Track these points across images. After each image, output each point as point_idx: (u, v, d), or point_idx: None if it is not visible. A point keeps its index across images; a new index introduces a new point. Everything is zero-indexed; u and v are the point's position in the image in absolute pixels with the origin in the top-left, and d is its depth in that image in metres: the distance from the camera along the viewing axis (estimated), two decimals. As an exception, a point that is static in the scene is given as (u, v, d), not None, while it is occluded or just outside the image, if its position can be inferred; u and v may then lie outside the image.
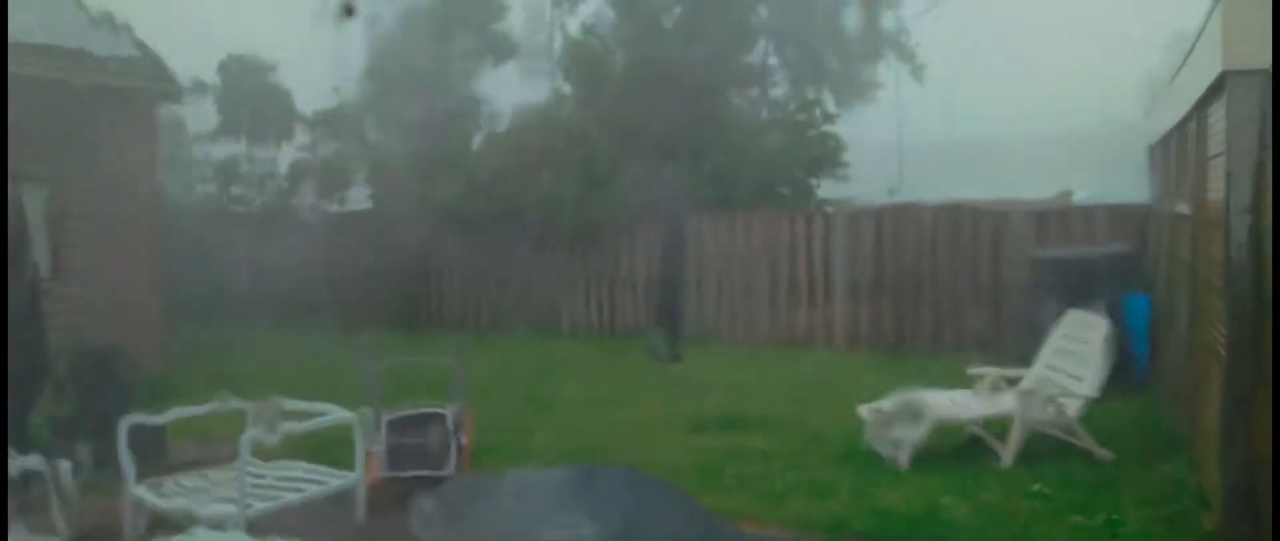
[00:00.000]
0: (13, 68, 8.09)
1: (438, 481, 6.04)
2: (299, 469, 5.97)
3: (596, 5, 16.62)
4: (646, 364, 10.77)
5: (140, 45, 11.30)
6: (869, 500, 6.36)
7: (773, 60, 16.63)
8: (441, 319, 14.27)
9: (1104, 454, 6.97)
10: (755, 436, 7.93)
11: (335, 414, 5.85)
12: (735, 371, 10.80)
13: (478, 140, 15.28)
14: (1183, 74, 7.22)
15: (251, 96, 15.08)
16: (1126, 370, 9.00)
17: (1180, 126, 7.68)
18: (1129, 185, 11.74)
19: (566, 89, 15.00)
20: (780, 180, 14.69)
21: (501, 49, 16.31)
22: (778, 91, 15.65)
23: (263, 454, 5.89)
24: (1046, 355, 7.66)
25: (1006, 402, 7.38)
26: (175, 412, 6.04)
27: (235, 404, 5.94)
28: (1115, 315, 7.99)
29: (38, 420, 6.67)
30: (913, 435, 6.93)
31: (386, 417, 6.49)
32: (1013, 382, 7.67)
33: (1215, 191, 5.39)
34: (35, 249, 9.17)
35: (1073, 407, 7.00)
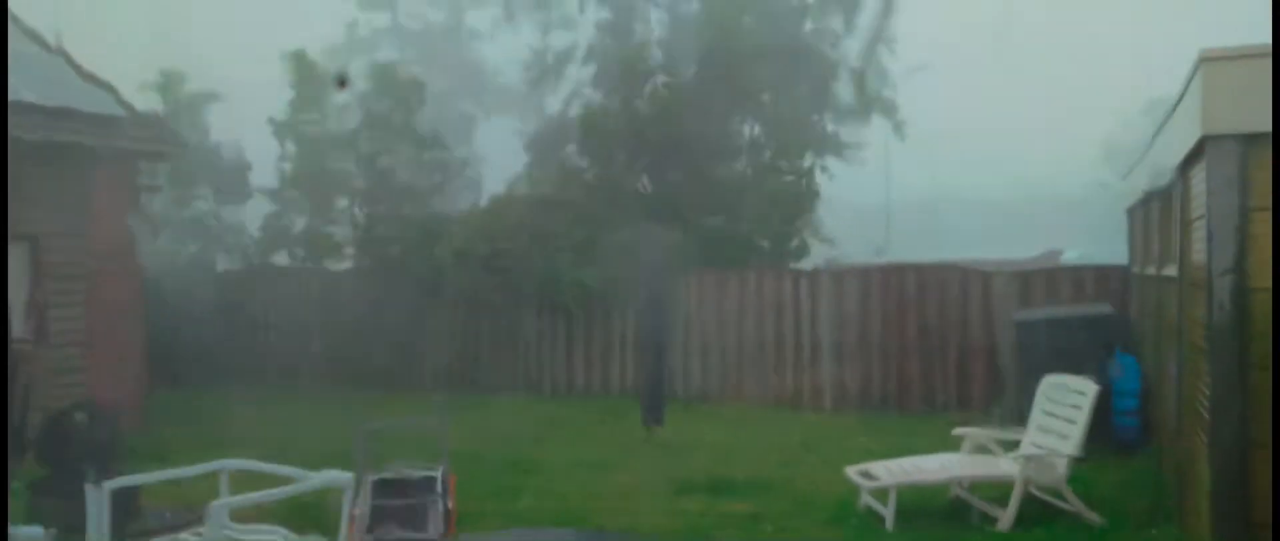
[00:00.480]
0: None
1: (420, 544, 5.91)
2: (279, 534, 5.83)
3: (585, 71, 16.80)
4: (632, 425, 10.66)
5: (126, 104, 11.34)
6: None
7: (759, 124, 16.79)
8: (424, 379, 14.15)
9: (1093, 517, 6.91)
10: (743, 499, 7.84)
11: (318, 477, 5.73)
12: (723, 433, 10.72)
13: (467, 202, 15.33)
14: (1160, 138, 7.32)
15: (237, 153, 15.10)
16: (1116, 432, 8.99)
17: (1157, 190, 7.76)
18: (1118, 246, 11.84)
19: (556, 153, 15.08)
20: (767, 240, 14.75)
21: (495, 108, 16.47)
22: (765, 152, 15.75)
23: (241, 517, 5.76)
24: (1037, 417, 7.62)
25: (996, 465, 7.33)
26: (145, 477, 5.91)
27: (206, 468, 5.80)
28: (1103, 376, 7.98)
29: (15, 484, 6.53)
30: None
31: (370, 479, 6.36)
32: (1003, 444, 7.62)
33: (1198, 253, 5.42)
34: (13, 310, 9.12)
35: (1060, 469, 6.95)
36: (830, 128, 17.15)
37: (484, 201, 15.91)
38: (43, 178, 9.61)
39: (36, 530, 5.00)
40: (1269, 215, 4.72)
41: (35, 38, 11.50)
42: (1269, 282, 4.69)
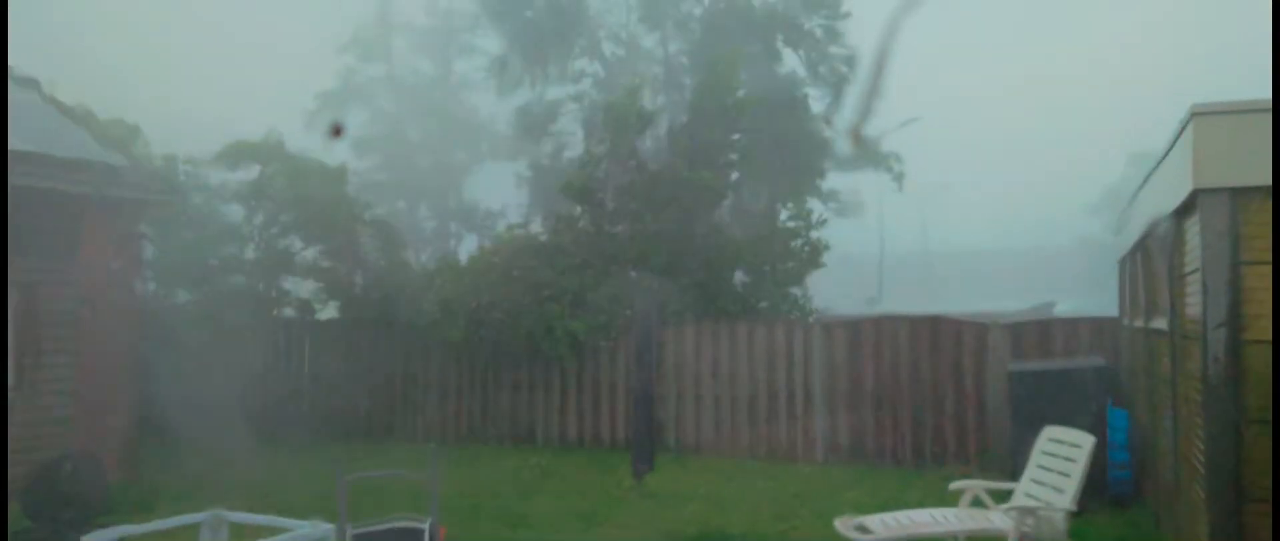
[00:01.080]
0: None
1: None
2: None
3: (573, 122, 16.95)
4: (623, 476, 10.57)
5: (118, 151, 11.36)
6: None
7: (753, 175, 16.92)
8: (416, 430, 14.04)
9: (1090, 572, 6.84)
10: (735, 552, 7.73)
11: (303, 529, 5.65)
12: (715, 484, 10.62)
13: (458, 253, 15.33)
14: (1146, 191, 7.37)
15: (230, 202, 15.08)
16: (1110, 485, 8.94)
17: (1144, 242, 7.80)
18: (1110, 297, 11.87)
19: (547, 203, 15.14)
20: (760, 291, 14.76)
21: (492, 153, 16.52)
22: (758, 204, 15.86)
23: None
24: (1031, 470, 7.57)
25: (990, 519, 7.26)
26: (132, 528, 5.82)
27: (193, 518, 5.73)
28: (1097, 429, 7.95)
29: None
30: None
31: (352, 532, 6.26)
32: (995, 496, 7.56)
33: (1192, 306, 5.43)
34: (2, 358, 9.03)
35: (1058, 522, 6.89)
36: (823, 181, 17.31)
37: (474, 250, 15.91)
38: (36, 226, 9.58)
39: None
40: (1262, 269, 4.73)
41: (28, 84, 11.56)
42: (1266, 335, 4.69)
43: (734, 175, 15.70)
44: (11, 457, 6.30)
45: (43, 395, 9.90)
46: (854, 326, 12.46)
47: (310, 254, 15.31)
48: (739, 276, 14.66)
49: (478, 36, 27.22)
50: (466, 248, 17.21)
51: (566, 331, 13.13)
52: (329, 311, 15.71)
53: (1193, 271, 5.36)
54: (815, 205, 16.59)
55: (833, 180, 17.97)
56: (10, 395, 9.43)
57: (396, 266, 15.05)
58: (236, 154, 15.09)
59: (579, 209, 14.48)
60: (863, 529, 7.08)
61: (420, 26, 30.90)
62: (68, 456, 7.65)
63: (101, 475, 7.50)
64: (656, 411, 12.00)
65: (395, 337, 14.03)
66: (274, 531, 5.61)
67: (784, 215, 15.30)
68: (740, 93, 15.01)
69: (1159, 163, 6.43)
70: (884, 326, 12.27)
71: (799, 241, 15.05)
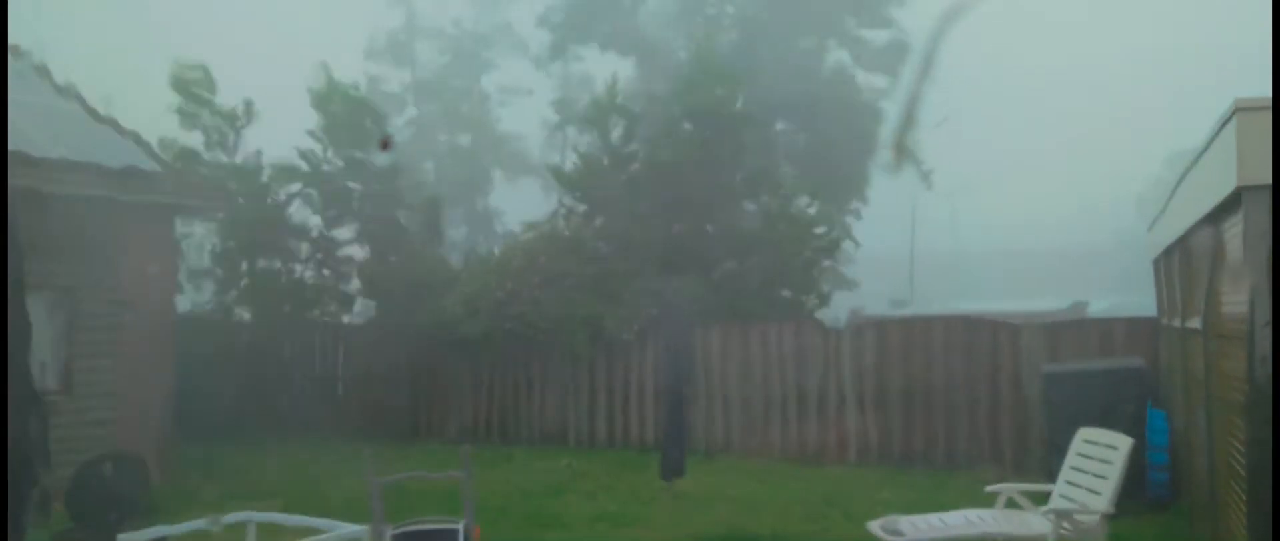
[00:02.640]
0: (32, 182, 8.26)
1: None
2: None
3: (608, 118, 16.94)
4: (653, 478, 10.57)
5: (159, 159, 11.54)
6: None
7: (784, 173, 16.87)
8: (448, 430, 14.13)
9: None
10: (767, 555, 7.72)
11: (339, 530, 5.70)
12: (746, 486, 10.60)
13: (488, 254, 15.40)
14: (1184, 189, 7.26)
15: (260, 207, 15.27)
16: (1148, 487, 8.81)
17: (1184, 241, 7.68)
18: (1147, 297, 11.72)
19: (575, 204, 15.16)
20: (791, 291, 14.69)
21: (513, 165, 16.62)
22: (789, 204, 15.79)
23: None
24: (1067, 472, 7.49)
25: (1026, 521, 7.19)
26: (169, 528, 5.90)
27: (227, 519, 5.79)
28: (1135, 430, 7.84)
29: (42, 534, 6.54)
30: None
31: (391, 532, 6.31)
32: (1032, 498, 7.48)
33: (1232, 306, 5.34)
34: (42, 361, 9.20)
35: (1092, 525, 6.81)
36: (857, 180, 17.21)
37: (498, 248, 15.98)
38: (74, 231, 9.75)
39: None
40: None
41: (68, 93, 11.77)
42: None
43: (764, 174, 15.65)
44: (55, 459, 6.42)
45: (85, 397, 10.08)
46: (887, 327, 12.39)
47: (354, 250, 15.47)
48: (768, 277, 14.59)
49: (502, 53, 27.44)
50: (490, 248, 17.30)
51: (587, 323, 13.12)
52: (363, 312, 15.85)
53: (1235, 270, 5.27)
54: (847, 210, 16.51)
55: (865, 181, 17.87)
56: (55, 398, 9.61)
57: (432, 263, 15.15)
58: (284, 177, 15.32)
59: (604, 208, 14.48)
60: (892, 530, 7.04)
61: (448, 35, 31.16)
62: (109, 457, 7.77)
63: (144, 475, 7.62)
64: (686, 412, 11.98)
65: (424, 338, 14.12)
66: (307, 533, 5.66)
67: (809, 218, 15.21)
68: (773, 89, 14.92)
69: (1197, 158, 6.34)
70: (915, 327, 12.19)
71: (827, 244, 14.95)
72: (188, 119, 15.27)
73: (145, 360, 10.82)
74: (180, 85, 15.09)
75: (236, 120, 15.40)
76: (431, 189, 15.35)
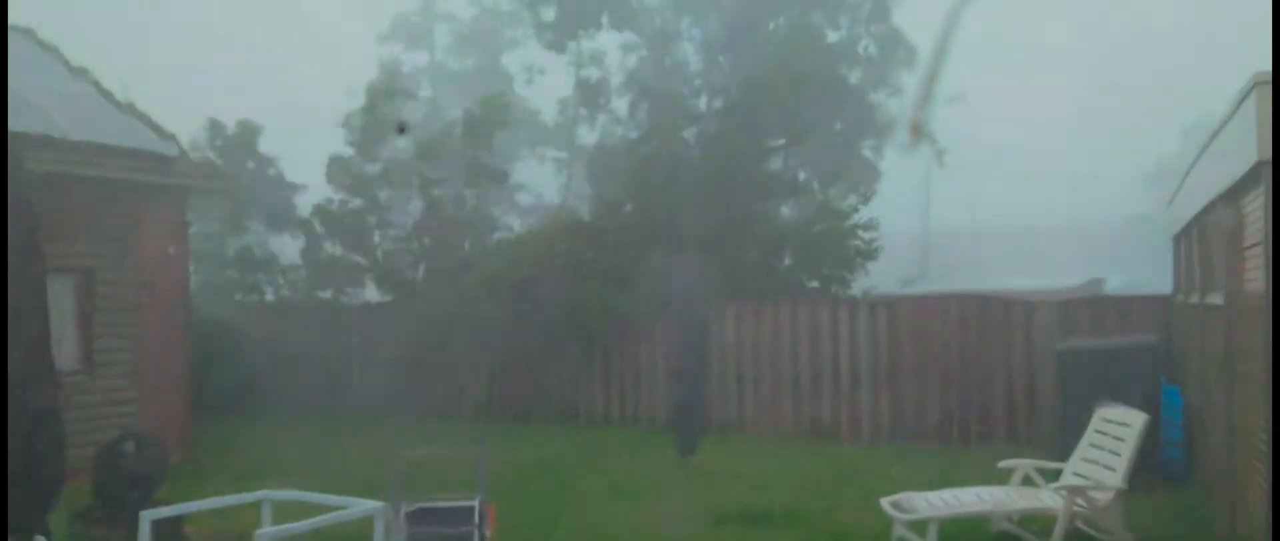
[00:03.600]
0: (53, 165, 8.32)
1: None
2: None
3: (625, 100, 16.91)
4: (667, 454, 10.61)
5: (174, 141, 11.59)
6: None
7: (798, 153, 16.79)
8: (463, 408, 14.20)
9: (1137, 552, 6.75)
10: (779, 531, 7.75)
11: (358, 507, 5.75)
12: (760, 463, 10.62)
13: (506, 232, 15.44)
14: (1203, 163, 7.20)
15: (275, 188, 15.34)
16: (1163, 463, 8.80)
17: (1202, 217, 7.62)
18: (1164, 273, 11.65)
19: (590, 185, 15.17)
20: (805, 270, 14.67)
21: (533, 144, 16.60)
22: (804, 182, 15.74)
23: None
24: (1082, 448, 7.48)
25: (1039, 497, 7.19)
26: (189, 506, 5.97)
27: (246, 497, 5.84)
28: (1149, 407, 7.82)
29: (59, 514, 6.62)
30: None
31: (406, 509, 6.37)
32: (1045, 474, 7.49)
33: (1254, 281, 5.30)
34: (64, 341, 9.29)
35: (1105, 501, 6.81)
36: (871, 158, 17.10)
37: (518, 226, 16.00)
38: (94, 213, 9.82)
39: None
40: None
41: (84, 76, 11.81)
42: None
43: (779, 152, 15.60)
44: (76, 439, 6.49)
45: (105, 377, 10.18)
46: (899, 305, 12.37)
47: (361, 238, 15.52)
48: (783, 256, 14.58)
49: (519, 31, 27.33)
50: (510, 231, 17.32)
51: (605, 305, 13.15)
52: (381, 293, 15.91)
53: (1254, 245, 5.23)
54: (862, 193, 16.42)
55: (879, 160, 17.77)
56: (79, 378, 9.72)
57: (450, 244, 15.20)
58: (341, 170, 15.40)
59: (622, 193, 14.48)
60: (904, 507, 7.05)
61: (464, 17, 31.03)
62: (130, 436, 7.84)
63: (164, 454, 7.69)
64: (701, 390, 12.02)
65: (442, 319, 14.18)
66: (325, 509, 5.71)
67: (823, 196, 15.14)
68: (791, 70, 14.83)
69: (1216, 133, 6.28)
70: (929, 305, 12.17)
71: (841, 222, 14.89)
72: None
73: (162, 340, 10.91)
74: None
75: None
76: (448, 170, 15.33)
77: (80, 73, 11.79)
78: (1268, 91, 4.72)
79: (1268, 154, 4.73)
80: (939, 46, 4.07)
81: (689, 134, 14.31)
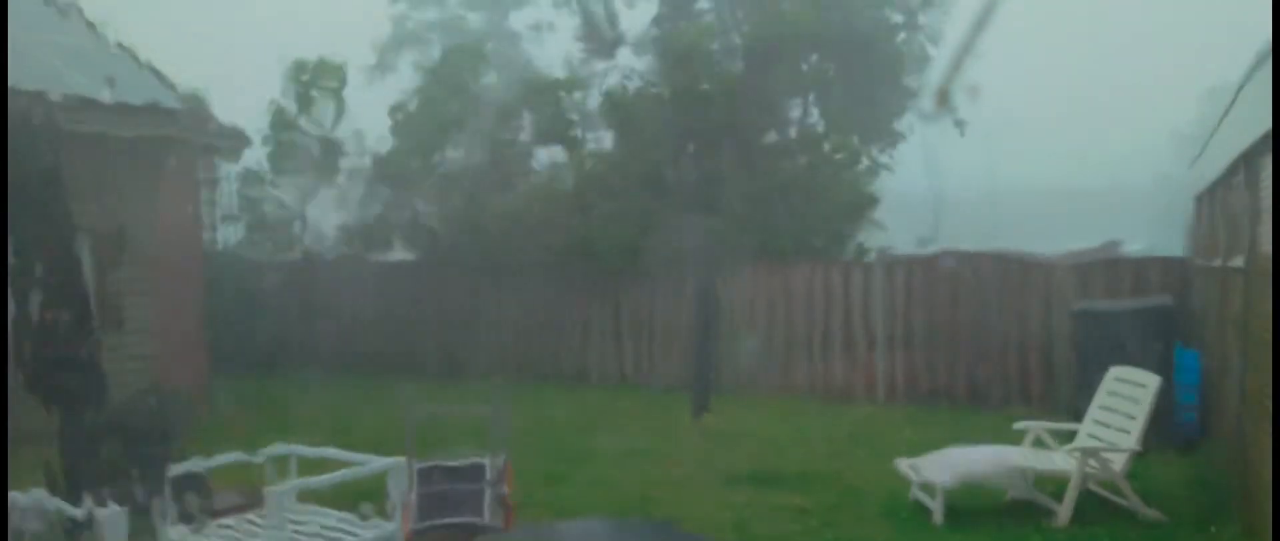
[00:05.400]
0: (74, 124, 8.35)
1: (471, 530, 5.98)
2: (334, 518, 5.96)
3: (635, 56, 16.76)
4: (680, 415, 10.68)
5: (187, 97, 11.61)
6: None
7: (814, 110, 16.65)
8: (477, 366, 14.30)
9: (1150, 514, 6.78)
10: (792, 491, 7.81)
11: (374, 463, 5.84)
12: (772, 424, 10.69)
13: (515, 190, 15.41)
14: (1226, 126, 7.12)
15: (292, 146, 15.35)
16: (1176, 426, 8.80)
17: (1225, 179, 7.55)
18: (1179, 236, 11.56)
19: (604, 139, 15.10)
20: (819, 229, 14.61)
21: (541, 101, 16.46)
22: (818, 139, 15.60)
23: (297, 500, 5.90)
24: (1095, 410, 7.49)
25: (1052, 459, 7.22)
26: (207, 461, 6.07)
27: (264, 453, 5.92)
28: (1164, 369, 7.81)
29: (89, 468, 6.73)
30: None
31: (417, 467, 6.44)
32: (1059, 437, 7.51)
33: (1267, 243, 5.27)
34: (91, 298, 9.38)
35: (1118, 463, 6.83)
36: (890, 121, 16.93)
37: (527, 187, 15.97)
38: (111, 171, 9.87)
39: (117, 509, 5.19)
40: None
41: (98, 32, 11.82)
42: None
43: (794, 110, 15.47)
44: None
45: (125, 333, 10.29)
46: (914, 265, 12.33)
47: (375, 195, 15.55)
48: (798, 214, 14.49)
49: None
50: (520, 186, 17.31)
51: (616, 242, 13.14)
52: (400, 252, 15.97)
53: (1266, 209, 5.19)
54: (881, 152, 16.28)
55: (898, 121, 17.58)
56: (97, 334, 9.80)
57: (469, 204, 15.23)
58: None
59: (632, 147, 14.36)
60: (918, 468, 7.10)
61: None
62: (152, 390, 7.94)
63: (186, 409, 7.79)
64: (715, 350, 12.05)
65: (458, 276, 14.25)
66: (341, 465, 5.80)
67: (838, 155, 15.00)
68: (805, 26, 14.64)
69: (1238, 93, 6.21)
70: (945, 265, 12.12)
71: (855, 180, 14.79)
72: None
73: (180, 296, 11.01)
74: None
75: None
76: (458, 128, 15.29)
77: (93, 28, 11.79)
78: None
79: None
80: (977, 19, 4.02)
81: (707, 85, 14.17)
